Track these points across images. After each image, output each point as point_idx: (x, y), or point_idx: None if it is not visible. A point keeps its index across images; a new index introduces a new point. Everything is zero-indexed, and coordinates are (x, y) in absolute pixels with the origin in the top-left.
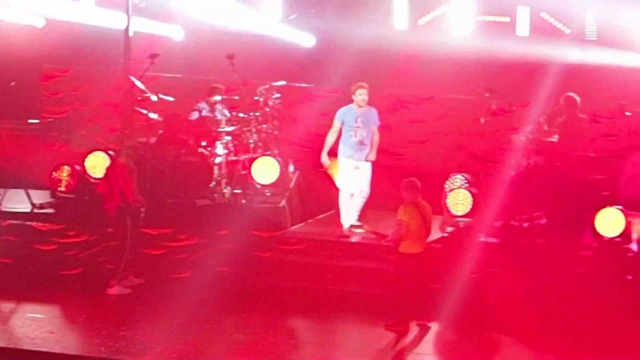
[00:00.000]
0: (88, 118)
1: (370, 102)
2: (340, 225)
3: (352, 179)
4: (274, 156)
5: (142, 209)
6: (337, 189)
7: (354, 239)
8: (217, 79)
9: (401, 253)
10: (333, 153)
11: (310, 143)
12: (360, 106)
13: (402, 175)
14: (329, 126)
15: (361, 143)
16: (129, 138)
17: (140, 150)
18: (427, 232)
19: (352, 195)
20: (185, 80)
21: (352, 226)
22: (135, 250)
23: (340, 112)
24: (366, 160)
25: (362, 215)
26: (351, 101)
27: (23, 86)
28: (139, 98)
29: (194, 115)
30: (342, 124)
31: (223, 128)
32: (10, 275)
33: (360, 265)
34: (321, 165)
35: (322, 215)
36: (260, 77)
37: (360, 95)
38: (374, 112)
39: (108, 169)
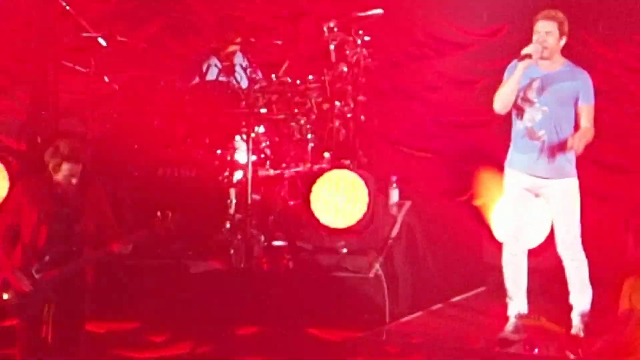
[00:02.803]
0: None
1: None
2: (500, 316)
3: (524, 217)
4: (356, 169)
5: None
6: (494, 239)
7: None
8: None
9: None
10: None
11: (434, 141)
12: (543, 58)
13: (625, 210)
14: (476, 104)
15: (532, 136)
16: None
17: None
18: None
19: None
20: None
21: (521, 316)
22: None
23: (510, 68)
24: (557, 178)
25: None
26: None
27: None
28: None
29: (193, 80)
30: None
31: (250, 107)
32: None
33: None
34: (462, 191)
35: (457, 298)
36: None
37: (543, 28)
38: (578, 76)
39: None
